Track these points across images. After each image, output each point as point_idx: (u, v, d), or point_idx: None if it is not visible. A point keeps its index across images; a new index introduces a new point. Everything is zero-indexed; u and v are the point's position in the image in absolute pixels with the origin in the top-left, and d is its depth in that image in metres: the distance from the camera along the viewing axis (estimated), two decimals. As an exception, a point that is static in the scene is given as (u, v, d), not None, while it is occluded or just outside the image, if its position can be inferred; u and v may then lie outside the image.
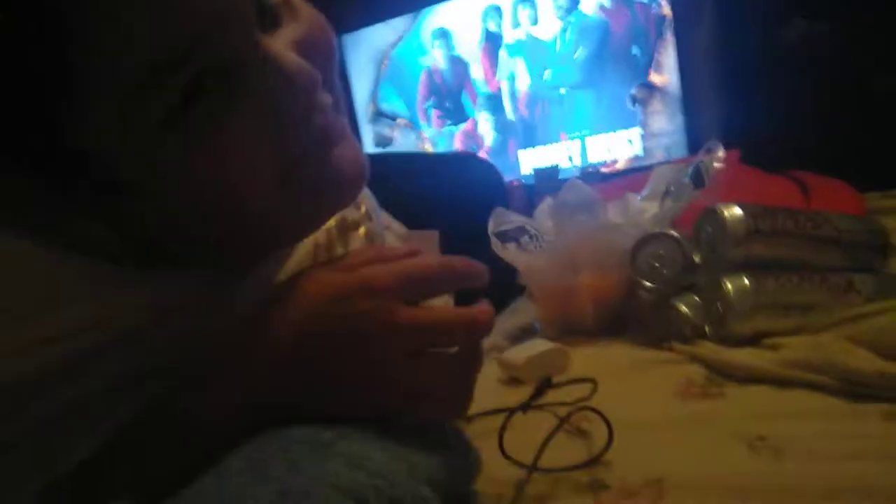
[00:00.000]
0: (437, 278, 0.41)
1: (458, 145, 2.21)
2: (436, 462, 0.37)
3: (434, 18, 2.16)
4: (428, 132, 2.23)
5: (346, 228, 0.54)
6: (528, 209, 0.83)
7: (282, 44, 0.37)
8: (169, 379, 0.39)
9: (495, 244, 0.74)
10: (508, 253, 0.73)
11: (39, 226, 0.38)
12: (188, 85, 0.33)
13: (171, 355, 0.40)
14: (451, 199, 0.85)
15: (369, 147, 2.30)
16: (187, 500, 0.35)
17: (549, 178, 1.89)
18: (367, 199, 0.62)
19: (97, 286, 0.39)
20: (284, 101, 0.36)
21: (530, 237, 0.75)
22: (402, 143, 2.25)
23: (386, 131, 2.27)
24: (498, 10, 2.06)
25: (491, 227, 0.75)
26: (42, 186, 0.36)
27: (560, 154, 2.06)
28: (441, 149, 2.21)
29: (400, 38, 2.20)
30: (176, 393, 0.39)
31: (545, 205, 0.79)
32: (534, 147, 2.10)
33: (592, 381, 0.50)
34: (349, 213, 0.56)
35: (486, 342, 0.58)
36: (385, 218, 0.71)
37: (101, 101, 0.33)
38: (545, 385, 0.47)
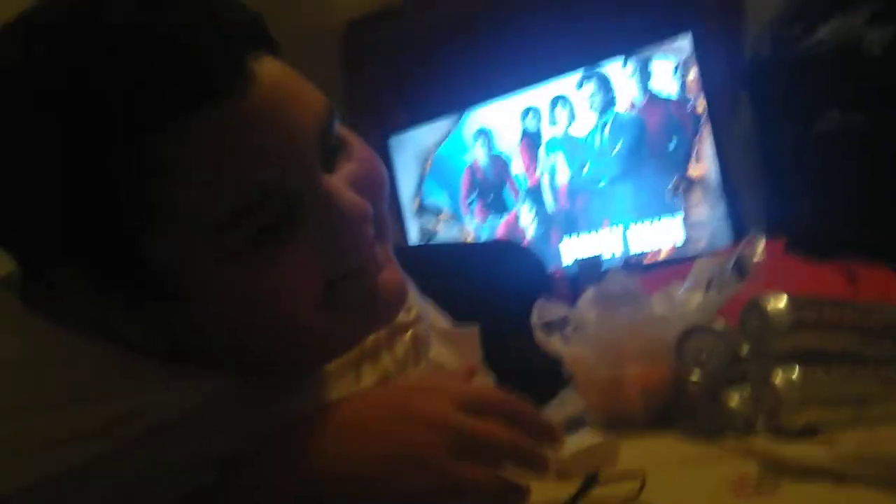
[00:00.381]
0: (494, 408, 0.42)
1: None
2: None
3: (475, 118, 2.25)
4: (471, 225, 2.28)
5: (394, 332, 0.56)
6: (571, 300, 0.84)
7: (339, 181, 0.41)
8: (207, 470, 0.40)
9: (539, 336, 0.74)
10: (553, 344, 0.74)
11: (84, 319, 0.41)
12: (269, 218, 0.37)
13: (213, 447, 0.41)
14: (494, 288, 0.87)
15: (414, 241, 2.35)
16: None
17: (591, 269, 1.90)
18: (413, 297, 0.63)
19: (138, 380, 0.41)
20: (337, 233, 0.40)
21: (574, 328, 0.76)
22: (446, 236, 2.31)
23: (430, 225, 2.33)
24: (536, 110, 2.15)
25: (535, 318, 0.76)
26: (94, 281, 0.39)
27: (602, 244, 2.07)
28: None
29: (443, 138, 2.30)
30: (226, 483, 0.40)
31: (588, 295, 0.80)
32: (576, 235, 2.11)
33: (642, 476, 0.49)
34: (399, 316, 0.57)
35: None
36: (428, 310, 0.72)
37: (178, 230, 0.37)
38: (592, 481, 0.47)
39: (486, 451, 0.40)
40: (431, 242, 2.28)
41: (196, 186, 0.36)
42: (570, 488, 0.51)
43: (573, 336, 0.75)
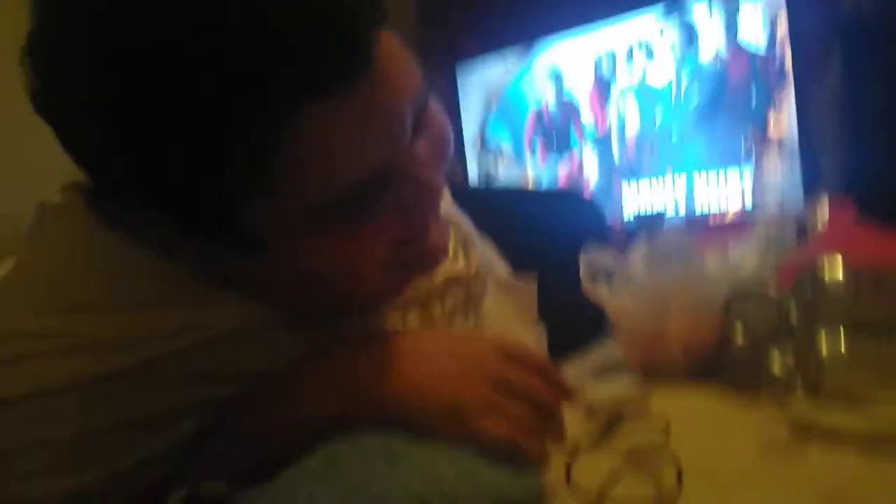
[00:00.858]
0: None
1: (562, 183, 2.22)
2: (502, 482, 0.39)
3: (547, 57, 2.18)
4: (532, 168, 2.25)
5: (449, 284, 0.57)
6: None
7: (420, 152, 0.41)
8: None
9: (585, 282, 0.74)
10: (597, 292, 0.74)
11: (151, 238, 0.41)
12: (366, 196, 0.38)
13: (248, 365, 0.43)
14: (553, 237, 0.87)
15: (474, 178, 2.34)
16: (267, 494, 0.38)
17: (653, 225, 1.87)
18: (473, 247, 0.63)
19: (192, 296, 0.42)
20: (415, 206, 0.41)
21: (621, 277, 0.76)
22: (506, 177, 2.29)
23: (491, 166, 2.32)
24: (612, 55, 2.07)
25: (582, 264, 0.76)
26: (179, 219, 0.39)
27: (665, 197, 2.01)
28: (545, 185, 2.23)
29: (512, 76, 2.24)
30: (265, 392, 0.42)
31: (640, 249, 0.79)
32: (640, 186, 2.05)
33: (667, 423, 0.50)
34: (451, 267, 0.58)
35: (571, 377, 0.60)
36: (489, 256, 0.73)
37: (280, 201, 0.37)
38: (616, 420, 0.48)
39: (519, 393, 0.43)
40: (495, 186, 2.27)
41: (309, 168, 0.36)
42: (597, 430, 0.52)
43: (619, 286, 0.75)
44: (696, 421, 0.56)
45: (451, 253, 0.60)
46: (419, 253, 0.45)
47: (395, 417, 0.41)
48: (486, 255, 0.70)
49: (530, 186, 2.24)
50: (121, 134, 0.34)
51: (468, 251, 0.63)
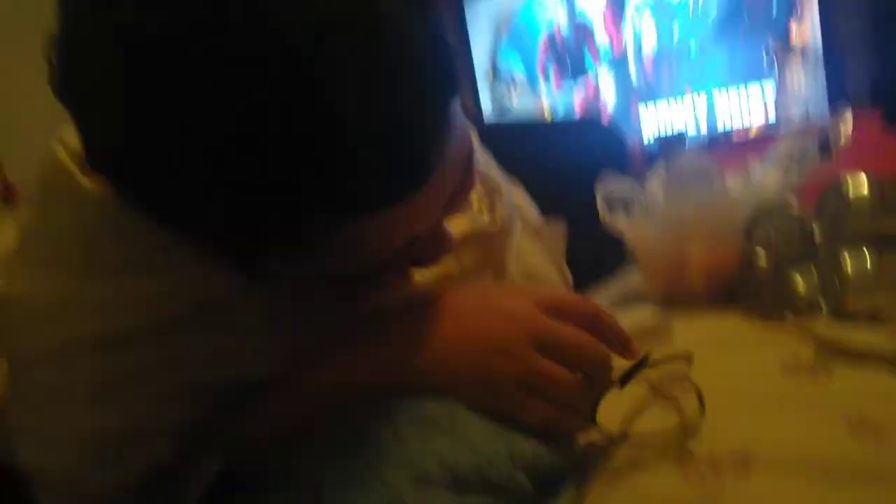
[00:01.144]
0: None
1: (578, 110, 2.17)
2: (536, 451, 0.39)
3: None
4: (547, 96, 2.20)
5: (468, 240, 0.54)
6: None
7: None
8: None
9: (602, 210, 0.73)
10: (616, 220, 0.73)
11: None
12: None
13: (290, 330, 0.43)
14: (572, 168, 0.85)
15: (487, 111, 2.30)
16: (295, 461, 0.39)
17: (673, 146, 1.83)
18: (499, 199, 0.60)
19: (197, 258, 0.40)
20: (425, 249, 0.40)
21: (640, 205, 0.74)
22: (521, 106, 2.24)
23: (504, 96, 2.27)
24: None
25: (599, 191, 0.74)
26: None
27: (686, 115, 1.96)
28: (561, 114, 2.19)
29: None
30: (317, 362, 0.42)
31: (658, 172, 0.77)
32: (659, 105, 1.99)
33: (689, 356, 0.50)
34: (472, 222, 0.56)
35: None
36: (519, 199, 0.71)
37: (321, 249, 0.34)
38: (642, 363, 0.47)
39: (566, 351, 0.41)
40: (510, 119, 2.22)
41: (340, 248, 0.34)
42: (621, 363, 0.52)
43: (638, 213, 0.74)
44: (720, 346, 0.56)
45: (475, 206, 0.58)
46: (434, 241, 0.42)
47: (427, 387, 0.40)
48: (515, 201, 0.68)
49: (546, 115, 2.19)
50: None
51: (494, 204, 0.61)
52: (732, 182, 0.76)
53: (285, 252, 0.34)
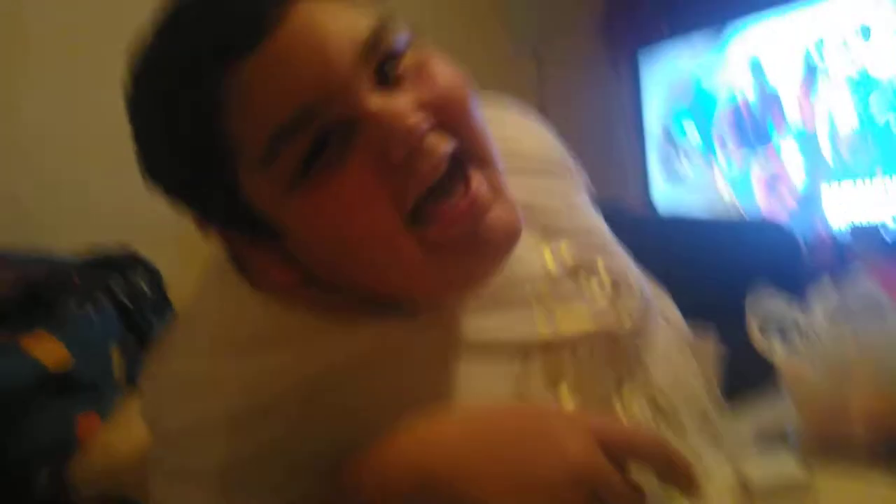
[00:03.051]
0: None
1: (759, 190, 1.99)
2: None
3: (743, 41, 1.98)
4: (725, 169, 2.07)
5: (588, 340, 0.52)
6: (836, 272, 0.74)
7: (401, 101, 0.42)
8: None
9: (753, 331, 0.67)
10: (768, 347, 0.67)
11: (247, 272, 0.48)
12: (312, 143, 0.41)
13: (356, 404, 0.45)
14: (741, 279, 0.78)
15: (657, 179, 2.21)
16: None
17: (868, 239, 1.62)
18: (628, 290, 0.57)
19: (299, 334, 0.46)
20: (388, 150, 0.41)
21: (800, 334, 0.68)
22: (695, 180, 2.11)
23: (677, 164, 2.17)
24: (820, 42, 1.83)
25: (751, 308, 0.68)
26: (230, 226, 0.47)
27: (885, 201, 1.73)
28: (740, 190, 2.03)
29: (702, 62, 2.06)
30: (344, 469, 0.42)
31: (824, 300, 0.70)
32: (853, 181, 1.78)
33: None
34: (600, 318, 0.53)
35: (729, 441, 0.53)
36: (664, 303, 0.67)
37: (244, 166, 0.43)
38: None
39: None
40: (678, 215, 2.06)
41: (243, 118, 0.41)
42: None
43: (798, 344, 0.67)
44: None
45: (595, 293, 0.55)
46: (466, 231, 0.43)
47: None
48: (662, 299, 0.65)
49: (721, 187, 2.06)
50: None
51: (617, 294, 0.56)
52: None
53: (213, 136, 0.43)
